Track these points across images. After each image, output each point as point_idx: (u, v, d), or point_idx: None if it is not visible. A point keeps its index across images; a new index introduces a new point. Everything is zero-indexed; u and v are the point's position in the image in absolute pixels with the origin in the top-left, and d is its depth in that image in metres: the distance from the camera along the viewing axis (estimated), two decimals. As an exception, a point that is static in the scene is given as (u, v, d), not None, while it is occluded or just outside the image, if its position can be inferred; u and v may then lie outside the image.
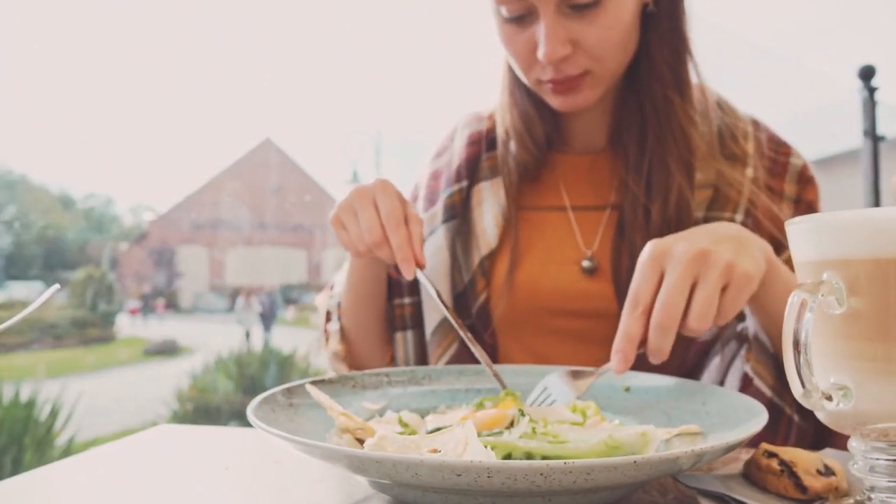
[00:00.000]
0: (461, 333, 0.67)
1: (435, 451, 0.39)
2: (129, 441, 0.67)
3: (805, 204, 0.81)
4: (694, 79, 0.82)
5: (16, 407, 3.51)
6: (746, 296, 0.60)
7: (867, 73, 2.90)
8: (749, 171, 0.79)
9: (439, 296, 0.70)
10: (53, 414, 3.60)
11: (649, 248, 0.61)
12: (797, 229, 0.42)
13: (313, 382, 0.61)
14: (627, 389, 0.64)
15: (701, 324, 0.57)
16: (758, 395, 0.70)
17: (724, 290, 0.58)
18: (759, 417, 0.47)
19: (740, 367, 0.73)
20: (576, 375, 0.63)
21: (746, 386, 0.71)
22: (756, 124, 0.85)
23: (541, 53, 0.73)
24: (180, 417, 4.53)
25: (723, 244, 0.59)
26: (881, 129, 2.94)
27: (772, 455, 0.46)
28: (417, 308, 0.88)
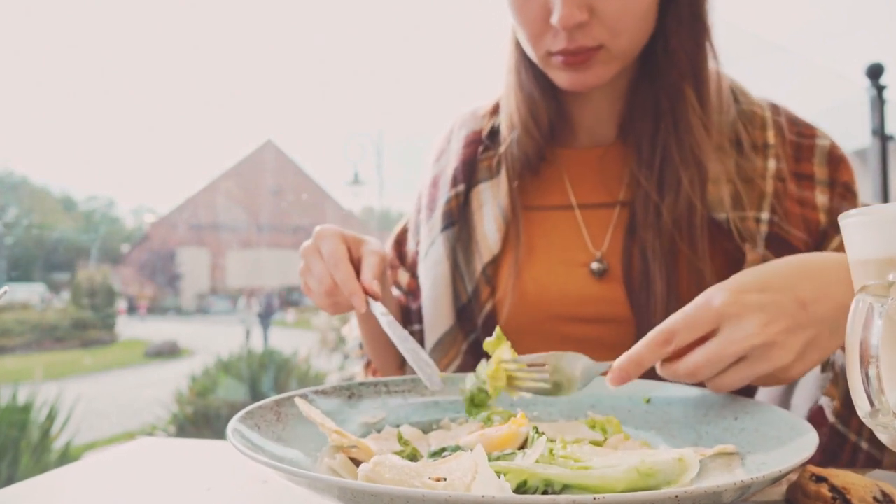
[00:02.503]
0: (407, 359, 0.61)
1: (439, 479, 0.34)
2: (109, 457, 0.62)
3: (841, 185, 0.74)
4: (711, 64, 0.76)
5: (13, 410, 3.45)
6: (775, 385, 0.56)
7: (875, 72, 2.85)
8: (772, 163, 0.73)
9: (393, 330, 0.64)
10: (51, 417, 3.54)
11: (721, 299, 0.53)
12: (854, 223, 0.37)
13: (305, 395, 0.56)
14: (648, 401, 0.59)
15: (717, 390, 0.55)
16: (821, 420, 0.64)
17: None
18: (805, 437, 0.41)
19: (816, 392, 0.67)
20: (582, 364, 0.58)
21: (815, 418, 0.66)
22: (775, 108, 0.79)
23: (555, 18, 0.67)
24: (180, 421, 4.47)
25: (800, 333, 0.52)
26: (890, 128, 2.89)
27: (820, 479, 0.41)
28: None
